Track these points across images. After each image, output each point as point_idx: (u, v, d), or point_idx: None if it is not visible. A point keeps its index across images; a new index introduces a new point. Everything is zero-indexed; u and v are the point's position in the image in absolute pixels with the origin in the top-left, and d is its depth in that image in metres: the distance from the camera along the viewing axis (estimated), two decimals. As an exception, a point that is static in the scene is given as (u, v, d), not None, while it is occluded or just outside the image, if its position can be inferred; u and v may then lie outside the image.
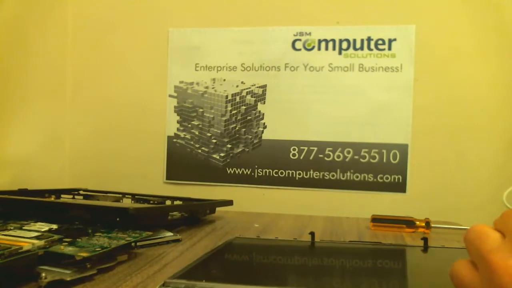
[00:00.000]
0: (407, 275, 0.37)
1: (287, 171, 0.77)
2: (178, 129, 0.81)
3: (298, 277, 0.35)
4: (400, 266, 0.42)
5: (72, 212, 0.47)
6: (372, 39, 0.75)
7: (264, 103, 0.78)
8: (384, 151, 0.75)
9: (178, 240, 0.47)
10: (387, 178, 0.74)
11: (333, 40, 0.76)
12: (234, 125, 0.79)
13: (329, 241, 0.48)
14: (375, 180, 0.75)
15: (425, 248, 0.44)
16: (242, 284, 0.29)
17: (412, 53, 0.74)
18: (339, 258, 0.43)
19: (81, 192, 0.72)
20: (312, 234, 0.45)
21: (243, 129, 0.79)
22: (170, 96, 0.81)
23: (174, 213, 0.56)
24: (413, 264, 0.42)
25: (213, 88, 0.80)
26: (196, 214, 0.59)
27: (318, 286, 0.33)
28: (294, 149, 0.77)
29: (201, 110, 0.80)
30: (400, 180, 0.74)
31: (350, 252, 0.44)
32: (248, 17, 0.79)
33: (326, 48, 0.77)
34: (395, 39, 0.74)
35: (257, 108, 0.78)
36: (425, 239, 0.44)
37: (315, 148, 0.76)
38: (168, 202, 0.65)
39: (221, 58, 0.80)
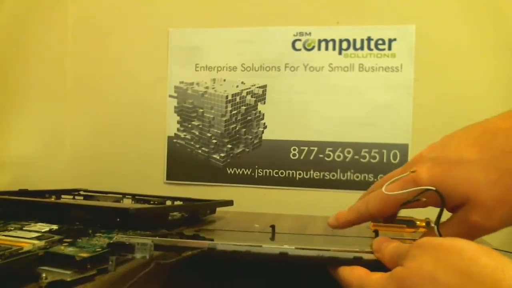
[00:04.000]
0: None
1: (287, 171, 0.77)
2: (178, 129, 0.81)
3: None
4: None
5: (73, 213, 0.47)
6: (372, 39, 0.75)
7: (264, 103, 0.78)
8: (384, 151, 0.75)
9: (178, 241, 0.47)
10: (387, 178, 0.74)
11: (333, 40, 0.76)
12: (234, 125, 0.79)
13: (289, 233, 0.50)
14: (375, 180, 0.75)
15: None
16: None
17: (412, 53, 0.74)
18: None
19: (81, 192, 0.72)
20: (273, 226, 0.46)
21: (243, 129, 0.79)
22: (170, 96, 0.81)
23: (175, 213, 0.56)
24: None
25: (213, 88, 0.80)
26: (197, 214, 0.59)
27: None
28: (294, 149, 0.77)
29: (201, 110, 0.80)
30: (401, 180, 0.74)
31: (305, 242, 0.46)
32: (248, 17, 0.79)
33: (326, 48, 0.77)
34: (395, 39, 0.74)
35: (257, 108, 0.78)
36: (375, 231, 0.46)
37: (315, 148, 0.76)
38: (168, 203, 0.65)
39: (221, 58, 0.80)
